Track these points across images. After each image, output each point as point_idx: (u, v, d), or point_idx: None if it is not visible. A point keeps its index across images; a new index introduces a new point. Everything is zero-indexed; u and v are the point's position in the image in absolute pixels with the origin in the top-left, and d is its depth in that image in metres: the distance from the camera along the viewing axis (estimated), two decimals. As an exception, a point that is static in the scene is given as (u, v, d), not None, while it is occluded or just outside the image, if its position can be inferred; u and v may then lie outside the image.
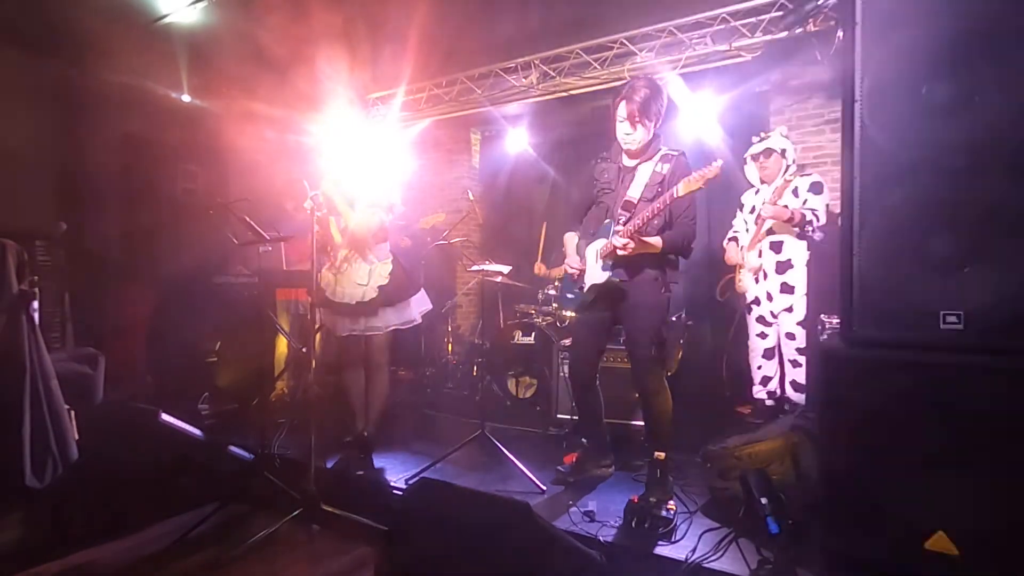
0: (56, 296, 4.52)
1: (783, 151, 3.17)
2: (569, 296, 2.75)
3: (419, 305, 3.06)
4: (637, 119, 2.40)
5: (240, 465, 2.86)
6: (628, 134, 2.45)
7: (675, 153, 2.47)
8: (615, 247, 2.40)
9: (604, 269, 2.48)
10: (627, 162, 2.54)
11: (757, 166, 3.24)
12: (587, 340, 2.69)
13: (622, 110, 2.43)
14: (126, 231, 4.30)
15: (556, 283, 4.21)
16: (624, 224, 2.41)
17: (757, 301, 3.24)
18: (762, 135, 3.28)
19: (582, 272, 2.62)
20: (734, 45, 3.58)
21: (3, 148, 5.00)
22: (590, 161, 2.73)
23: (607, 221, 2.53)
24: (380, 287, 2.88)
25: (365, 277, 2.89)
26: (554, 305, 4.14)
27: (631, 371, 2.57)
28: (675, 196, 2.28)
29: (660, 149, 2.49)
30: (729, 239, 3.43)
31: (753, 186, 3.36)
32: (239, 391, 3.91)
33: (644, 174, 2.46)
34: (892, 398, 1.58)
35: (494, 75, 4.47)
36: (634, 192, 2.46)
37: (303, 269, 3.11)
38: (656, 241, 2.40)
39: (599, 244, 2.52)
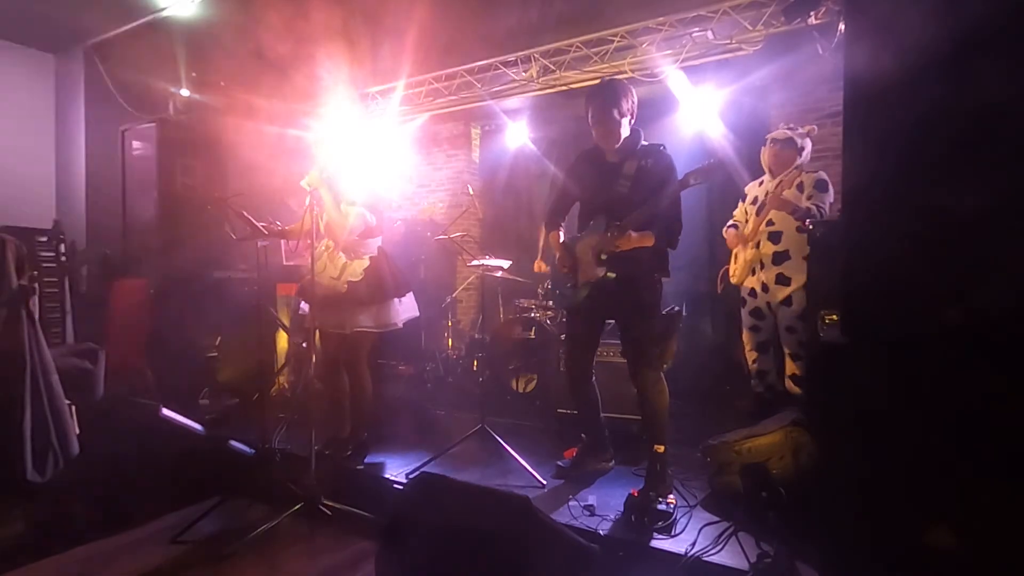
0: (56, 291, 4.53)
1: (801, 149, 3.15)
2: (559, 293, 2.75)
3: (404, 311, 2.97)
4: (607, 118, 2.43)
5: (241, 460, 2.87)
6: (603, 134, 2.49)
7: (655, 146, 2.51)
8: (613, 243, 2.41)
9: (599, 265, 2.49)
10: (610, 159, 2.55)
11: (772, 151, 3.20)
12: (582, 335, 2.70)
13: (591, 114, 2.48)
14: (125, 226, 4.30)
15: (547, 283, 4.22)
16: (620, 221, 2.42)
17: (753, 293, 3.23)
18: (792, 125, 3.26)
19: (574, 269, 2.62)
20: (735, 38, 3.56)
21: (4, 143, 4.99)
22: (570, 159, 2.76)
23: (599, 218, 2.53)
24: (351, 283, 2.81)
25: (337, 271, 2.82)
26: (549, 302, 4.16)
27: (627, 366, 2.58)
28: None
29: (641, 143, 2.52)
30: (728, 227, 3.42)
31: (760, 172, 3.34)
32: (240, 386, 3.91)
33: (629, 169, 2.48)
34: (892, 393, 1.57)
35: (494, 69, 4.45)
36: (622, 188, 2.47)
37: (303, 264, 3.10)
38: (650, 235, 2.42)
39: (592, 241, 2.52)
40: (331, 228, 2.82)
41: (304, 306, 3.07)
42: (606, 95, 2.44)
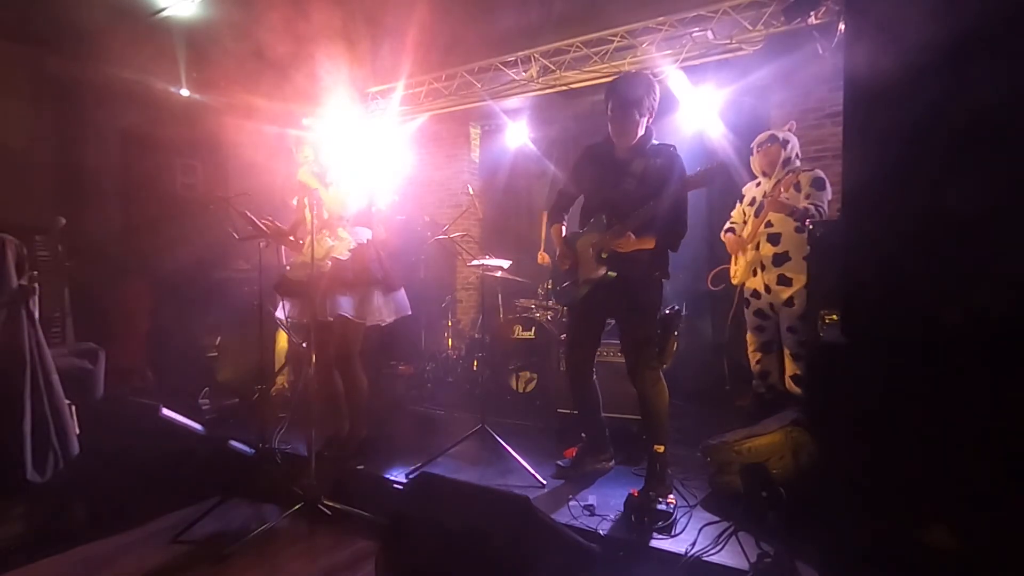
0: (56, 291, 4.53)
1: (784, 142, 3.16)
2: (559, 289, 2.74)
3: (397, 308, 2.92)
4: (625, 116, 2.39)
5: (241, 460, 2.87)
6: (618, 130, 2.44)
7: (666, 146, 2.47)
8: (614, 242, 2.40)
9: (600, 264, 2.48)
10: (619, 155, 2.51)
11: (760, 153, 3.23)
12: (583, 334, 2.69)
13: (610, 107, 2.42)
14: (126, 226, 4.30)
15: (549, 281, 4.22)
16: (624, 220, 2.40)
17: (756, 294, 3.23)
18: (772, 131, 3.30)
19: (574, 265, 2.61)
20: (735, 38, 3.56)
21: (2, 143, 4.99)
22: (577, 152, 2.72)
23: (601, 216, 2.51)
24: (335, 260, 2.71)
25: (322, 252, 2.70)
26: (551, 300, 4.16)
27: (626, 366, 2.57)
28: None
29: (652, 143, 2.48)
30: (726, 230, 3.43)
31: (755, 178, 3.36)
32: (240, 386, 3.92)
33: (637, 168, 2.44)
34: (892, 393, 1.57)
35: (494, 69, 4.45)
36: (628, 186, 2.44)
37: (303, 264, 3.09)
38: (651, 238, 2.41)
39: (594, 238, 2.51)
40: (330, 208, 2.77)
41: (279, 312, 2.98)
42: (629, 91, 2.37)
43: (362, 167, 2.95)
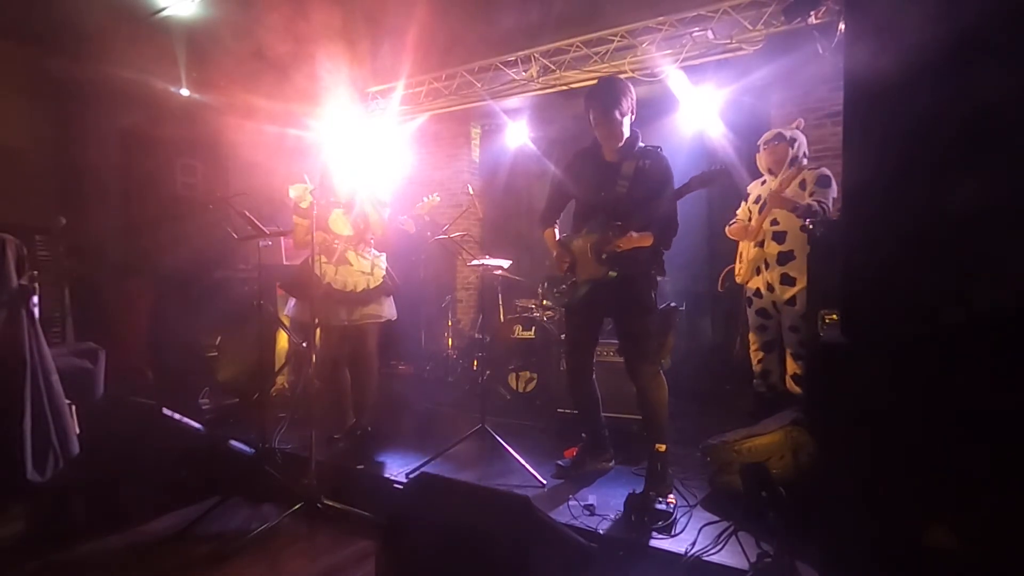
0: (56, 291, 4.52)
1: (792, 140, 3.15)
2: (556, 291, 2.75)
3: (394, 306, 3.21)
4: (609, 119, 2.44)
5: (241, 459, 2.87)
6: (605, 134, 2.50)
7: (653, 148, 2.53)
8: (614, 243, 2.41)
9: (600, 264, 2.49)
10: (609, 158, 2.56)
11: (767, 151, 3.21)
12: (581, 334, 2.71)
13: (592, 114, 2.48)
14: (126, 225, 4.30)
15: (545, 283, 4.22)
16: (621, 221, 2.43)
17: (758, 293, 3.22)
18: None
19: (572, 266, 2.62)
20: (736, 38, 3.56)
21: (3, 143, 4.99)
22: (566, 158, 2.78)
23: (599, 218, 2.53)
24: (384, 276, 3.06)
25: (369, 267, 3.00)
26: (546, 301, 4.17)
27: (625, 364, 2.59)
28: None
29: (639, 144, 2.53)
30: (732, 224, 3.42)
31: (760, 176, 3.35)
32: (240, 386, 3.92)
33: (628, 170, 2.49)
34: (892, 392, 1.57)
35: (494, 68, 4.45)
36: (621, 188, 2.49)
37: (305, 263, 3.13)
38: (649, 235, 2.43)
39: (591, 239, 2.53)
40: (372, 229, 3.03)
41: (290, 306, 3.18)
42: (607, 95, 2.44)
43: (383, 178, 3.13)
